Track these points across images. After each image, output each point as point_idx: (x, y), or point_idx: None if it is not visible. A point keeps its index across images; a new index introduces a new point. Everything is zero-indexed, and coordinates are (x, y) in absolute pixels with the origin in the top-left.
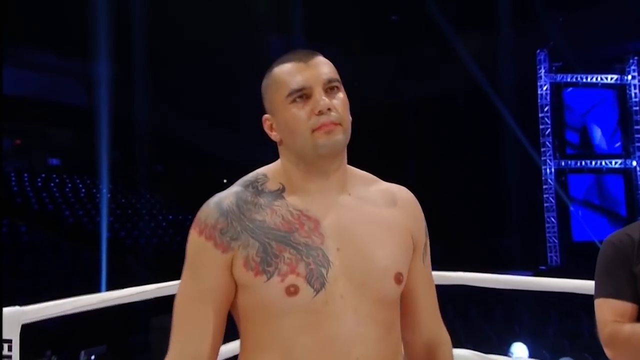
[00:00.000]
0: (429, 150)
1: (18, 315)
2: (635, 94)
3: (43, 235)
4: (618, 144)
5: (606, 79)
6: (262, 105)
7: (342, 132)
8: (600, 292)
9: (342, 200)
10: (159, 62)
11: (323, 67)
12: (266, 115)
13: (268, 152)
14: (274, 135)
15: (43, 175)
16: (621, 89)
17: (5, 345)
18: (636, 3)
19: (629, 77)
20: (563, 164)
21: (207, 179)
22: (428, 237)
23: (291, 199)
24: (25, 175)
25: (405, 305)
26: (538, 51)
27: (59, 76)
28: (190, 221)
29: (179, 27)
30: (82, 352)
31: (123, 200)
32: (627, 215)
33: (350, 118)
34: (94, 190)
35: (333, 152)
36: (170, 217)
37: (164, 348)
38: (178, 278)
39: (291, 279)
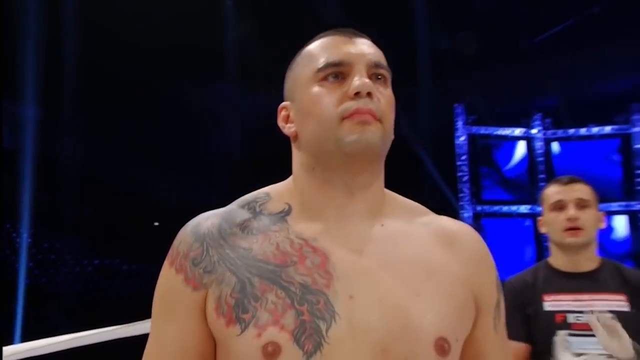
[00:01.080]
0: None
1: None
2: (539, 145)
3: None
4: (524, 191)
5: (514, 132)
6: (201, 142)
7: (382, 132)
8: None
9: (370, 232)
10: (87, 102)
11: (371, 47)
12: (283, 103)
13: (207, 195)
14: (288, 128)
15: None
16: (528, 141)
17: None
18: (539, 68)
19: (534, 130)
20: (479, 209)
21: (138, 221)
22: (502, 295)
23: (296, 224)
24: None
25: None
26: (455, 105)
27: None
28: (117, 266)
29: (109, 69)
30: None
31: (45, 245)
32: (535, 255)
33: (393, 119)
34: (13, 235)
35: (364, 152)
36: (97, 261)
37: None
38: (103, 325)
39: (271, 333)
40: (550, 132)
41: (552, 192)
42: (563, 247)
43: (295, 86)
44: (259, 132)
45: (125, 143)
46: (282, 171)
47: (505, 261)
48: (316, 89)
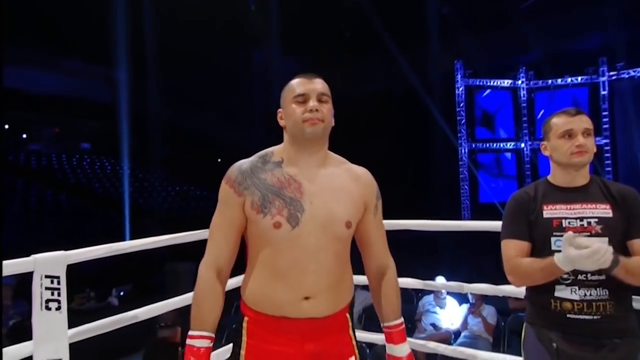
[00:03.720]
0: (377, 135)
1: (63, 257)
2: (523, 94)
3: (78, 203)
4: (511, 131)
5: (503, 83)
6: (248, 100)
7: (323, 127)
8: (506, 234)
9: (320, 172)
10: (167, 65)
11: (319, 84)
12: (280, 109)
13: (252, 139)
14: (282, 123)
15: (77, 156)
16: (514, 91)
17: (55, 280)
18: (524, 29)
19: (519, 81)
20: (474, 145)
21: (205, 159)
22: (380, 202)
23: (286, 168)
24: (63, 156)
25: (363, 242)
26: (455, 61)
27: (87, 79)
28: (192, 191)
29: (184, 37)
30: (114, 290)
31: (140, 175)
32: (517, 182)
33: (333, 121)
34: (117, 168)
35: (314, 137)
36: (177, 188)
37: (176, 288)
38: (182, 231)
39: (277, 218)
40: (532, 82)
41: (563, 121)
42: (569, 166)
43: (284, 102)
44: None
45: (196, 98)
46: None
47: (493, 184)
48: (293, 106)
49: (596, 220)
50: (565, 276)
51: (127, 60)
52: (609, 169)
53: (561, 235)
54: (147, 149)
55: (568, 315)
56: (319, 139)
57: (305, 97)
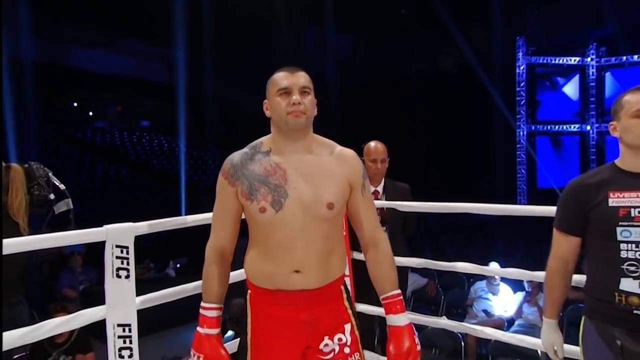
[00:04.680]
0: (432, 114)
1: (132, 228)
2: (592, 72)
3: (138, 178)
4: (577, 112)
5: (570, 60)
6: None
7: (305, 118)
8: (559, 225)
9: (305, 158)
10: (223, 46)
11: (301, 78)
12: (265, 101)
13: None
14: (268, 113)
15: (137, 133)
16: (582, 69)
17: (125, 250)
18: (593, 1)
19: (589, 59)
20: (533, 128)
21: (258, 137)
22: (366, 180)
23: (273, 157)
24: (125, 133)
25: (354, 219)
26: (517, 38)
27: (147, 59)
28: None
29: (237, 19)
30: (171, 262)
31: (195, 153)
32: (579, 168)
33: (315, 111)
34: (174, 146)
35: (297, 128)
36: None
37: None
38: None
39: (262, 203)
40: (604, 59)
41: (636, 100)
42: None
43: (269, 95)
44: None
45: (247, 76)
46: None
47: (555, 169)
48: (277, 99)
49: None
50: (633, 268)
51: (185, 42)
52: None
53: (628, 225)
54: (202, 128)
55: (635, 311)
56: (303, 129)
57: (288, 91)
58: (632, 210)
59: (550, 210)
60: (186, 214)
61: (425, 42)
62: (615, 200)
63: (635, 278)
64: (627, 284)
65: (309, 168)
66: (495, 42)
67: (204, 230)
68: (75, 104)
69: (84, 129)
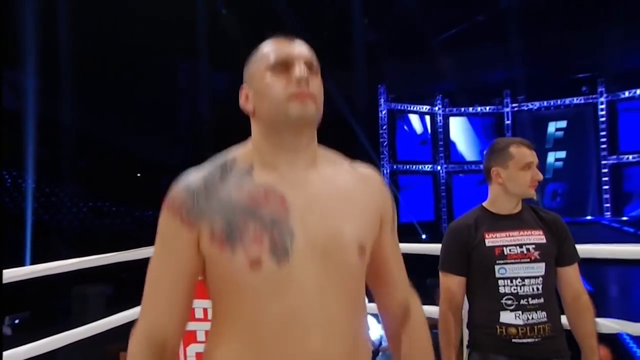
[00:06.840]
0: None
1: None
2: (439, 119)
3: None
4: (429, 154)
5: (422, 108)
6: (172, 112)
7: (315, 107)
8: (446, 266)
9: (310, 176)
10: (82, 73)
11: (306, 48)
12: (244, 85)
13: (175, 153)
14: (248, 106)
15: None
16: (432, 116)
17: None
18: (441, 60)
19: (436, 107)
20: (395, 167)
21: (123, 172)
22: (395, 212)
23: (258, 176)
24: None
25: (380, 274)
26: (379, 85)
27: None
28: (107, 207)
29: (99, 44)
30: (7, 318)
31: (47, 190)
32: (434, 203)
33: (322, 107)
34: (20, 181)
35: (304, 122)
36: (90, 203)
37: (83, 313)
38: (95, 254)
39: (254, 251)
40: (447, 109)
41: (525, 153)
42: (521, 197)
43: (253, 76)
44: (223, 102)
45: (112, 108)
46: (240, 136)
47: (412, 204)
48: (268, 78)
49: (534, 246)
50: (509, 302)
51: (37, 66)
52: None
53: (504, 263)
54: (55, 161)
55: (513, 340)
56: (310, 125)
57: (289, 63)
58: (504, 249)
59: (415, 247)
60: (32, 260)
61: None
62: (491, 240)
63: (511, 310)
64: (505, 317)
65: (320, 190)
66: (359, 90)
67: (52, 280)
68: None
69: None
